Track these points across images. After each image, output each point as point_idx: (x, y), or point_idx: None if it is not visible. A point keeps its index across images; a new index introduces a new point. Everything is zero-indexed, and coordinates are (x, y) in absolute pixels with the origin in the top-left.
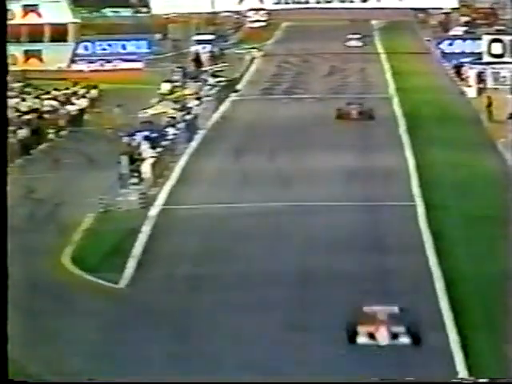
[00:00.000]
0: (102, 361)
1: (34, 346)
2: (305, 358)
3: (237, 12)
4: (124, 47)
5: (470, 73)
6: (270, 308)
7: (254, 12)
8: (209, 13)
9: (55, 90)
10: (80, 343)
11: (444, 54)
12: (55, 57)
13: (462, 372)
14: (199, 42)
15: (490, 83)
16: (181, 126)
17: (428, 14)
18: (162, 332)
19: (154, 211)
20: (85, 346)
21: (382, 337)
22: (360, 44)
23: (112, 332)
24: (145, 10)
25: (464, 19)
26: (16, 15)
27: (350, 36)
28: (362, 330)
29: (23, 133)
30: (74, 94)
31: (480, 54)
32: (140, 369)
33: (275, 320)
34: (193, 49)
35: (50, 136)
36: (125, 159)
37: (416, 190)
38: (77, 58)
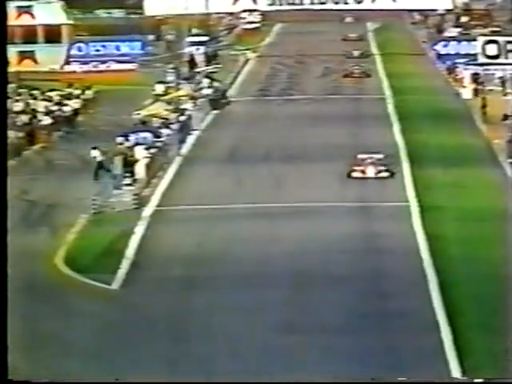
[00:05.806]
0: (93, 362)
1: (25, 347)
2: None
3: (230, 13)
4: (118, 48)
5: (465, 74)
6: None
7: (247, 13)
8: (202, 14)
9: (50, 90)
10: (71, 344)
11: (439, 56)
12: (49, 58)
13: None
14: (193, 43)
15: (485, 84)
16: (175, 126)
17: (424, 16)
18: (155, 333)
19: (147, 212)
20: (76, 346)
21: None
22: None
23: (103, 333)
24: (138, 11)
25: (459, 21)
26: (9, 17)
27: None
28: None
29: (16, 133)
30: (69, 95)
31: (475, 55)
32: (130, 370)
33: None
34: (186, 50)
35: (44, 137)
36: (118, 160)
37: (411, 191)
38: (71, 59)
